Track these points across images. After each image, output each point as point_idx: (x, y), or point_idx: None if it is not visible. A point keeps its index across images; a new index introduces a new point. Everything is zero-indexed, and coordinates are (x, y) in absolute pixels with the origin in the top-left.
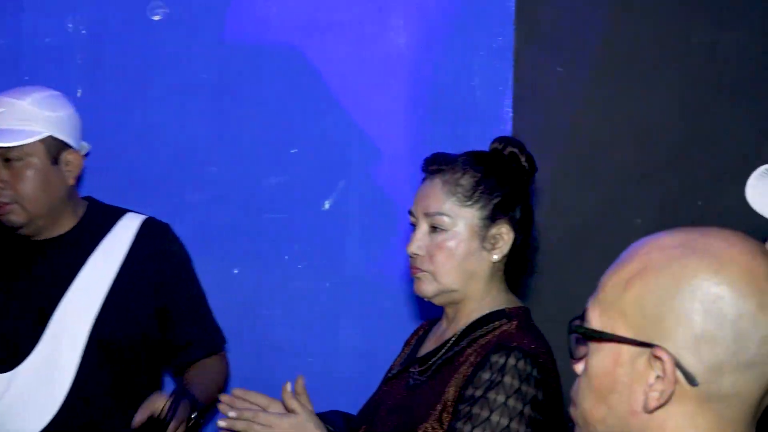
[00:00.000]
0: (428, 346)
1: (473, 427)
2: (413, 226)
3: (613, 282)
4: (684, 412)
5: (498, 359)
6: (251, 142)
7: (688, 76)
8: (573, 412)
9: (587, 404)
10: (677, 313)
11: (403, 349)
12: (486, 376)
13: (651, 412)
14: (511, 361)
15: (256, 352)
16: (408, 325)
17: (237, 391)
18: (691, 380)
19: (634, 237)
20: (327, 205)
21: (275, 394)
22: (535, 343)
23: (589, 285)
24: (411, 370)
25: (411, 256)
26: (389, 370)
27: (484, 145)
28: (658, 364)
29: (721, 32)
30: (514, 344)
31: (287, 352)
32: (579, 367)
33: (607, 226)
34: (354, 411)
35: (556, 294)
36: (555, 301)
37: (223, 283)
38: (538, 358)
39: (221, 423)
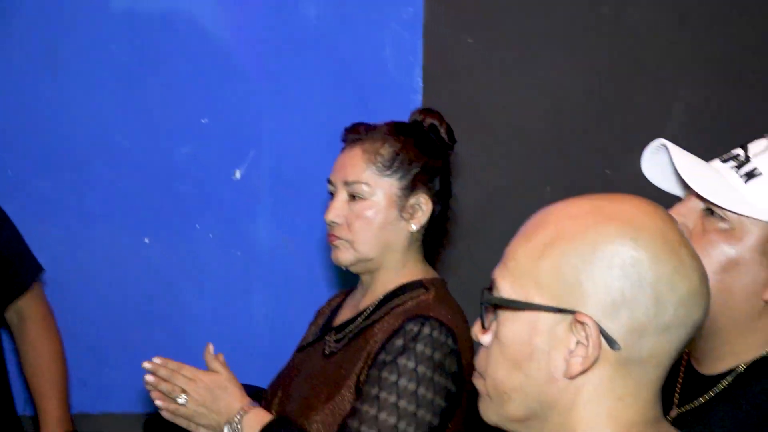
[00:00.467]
0: (344, 315)
1: (380, 390)
2: (331, 195)
3: (525, 251)
4: (602, 376)
5: (413, 327)
6: (162, 113)
7: (597, 46)
8: (479, 382)
9: (501, 373)
10: (596, 279)
11: (317, 317)
12: (399, 342)
13: (573, 378)
14: (426, 329)
15: (167, 320)
16: (319, 293)
17: (156, 360)
18: (612, 344)
19: (544, 205)
20: (238, 175)
21: (186, 362)
22: (452, 314)
23: (501, 255)
24: (327, 338)
25: (329, 224)
26: (304, 339)
27: (396, 115)
28: (580, 329)
29: (629, 3)
30: (431, 314)
31: (198, 321)
32: (486, 338)
33: (518, 194)
34: (266, 379)
35: (467, 264)
36: (467, 272)
37: (134, 252)
38: (454, 329)
39: (148, 372)
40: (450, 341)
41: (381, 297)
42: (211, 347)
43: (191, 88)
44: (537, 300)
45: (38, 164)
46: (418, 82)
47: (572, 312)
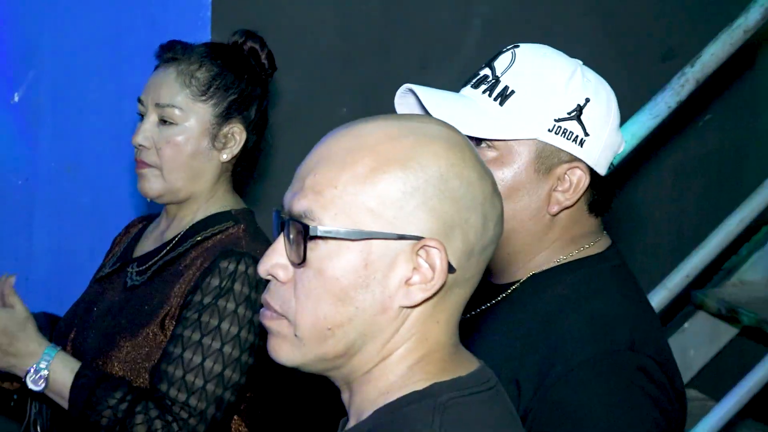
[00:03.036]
0: (146, 245)
1: (202, 336)
2: (141, 116)
3: (347, 178)
4: (432, 301)
5: (228, 265)
6: None
7: None
8: (280, 323)
9: (325, 309)
10: (433, 202)
11: (113, 246)
12: (215, 282)
13: (416, 306)
14: (242, 267)
15: None
16: (108, 223)
17: None
18: (451, 269)
19: (340, 125)
20: (17, 98)
21: None
22: (264, 248)
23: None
24: (128, 270)
25: (136, 148)
26: (99, 270)
27: (184, 33)
28: (422, 255)
29: None
30: (244, 250)
31: None
32: (285, 274)
33: (313, 114)
34: (52, 311)
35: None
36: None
37: None
38: None
39: None
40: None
41: (187, 228)
42: (12, 279)
43: None
44: (371, 227)
45: None
46: None
47: (416, 238)
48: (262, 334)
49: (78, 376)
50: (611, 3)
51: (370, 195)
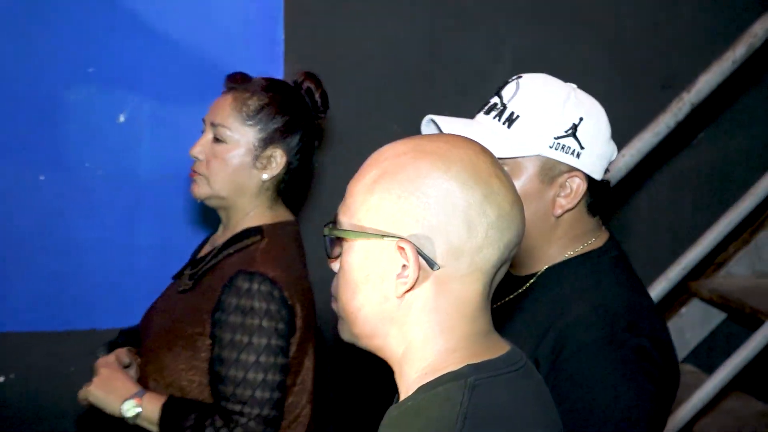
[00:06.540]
0: (205, 250)
1: (239, 353)
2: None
3: (357, 188)
4: (428, 293)
5: (242, 284)
6: (53, 60)
7: (436, 3)
8: (334, 306)
9: (345, 296)
10: (414, 209)
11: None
12: (234, 301)
13: (401, 297)
14: (255, 286)
15: (62, 250)
16: (197, 222)
17: None
18: (432, 265)
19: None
20: (122, 118)
21: (84, 289)
22: (279, 262)
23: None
24: (185, 272)
25: (193, 159)
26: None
27: (260, 64)
28: (403, 253)
29: None
30: (254, 269)
31: (90, 250)
32: (335, 266)
33: (367, 133)
34: (147, 302)
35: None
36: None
37: (29, 188)
38: (279, 280)
39: None
40: (276, 292)
41: (228, 239)
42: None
43: (80, 40)
44: (364, 229)
45: None
46: (280, 33)
47: (395, 237)
48: (285, 338)
49: (166, 404)
50: (619, 40)
51: (369, 202)
